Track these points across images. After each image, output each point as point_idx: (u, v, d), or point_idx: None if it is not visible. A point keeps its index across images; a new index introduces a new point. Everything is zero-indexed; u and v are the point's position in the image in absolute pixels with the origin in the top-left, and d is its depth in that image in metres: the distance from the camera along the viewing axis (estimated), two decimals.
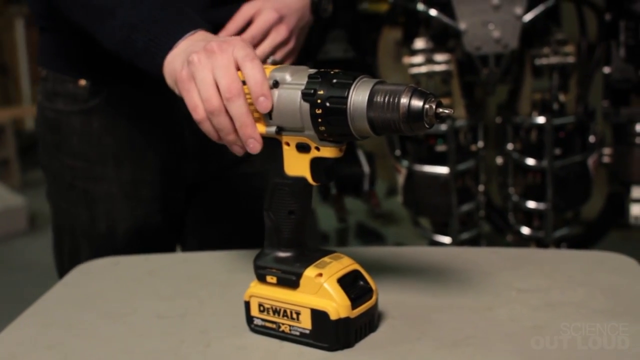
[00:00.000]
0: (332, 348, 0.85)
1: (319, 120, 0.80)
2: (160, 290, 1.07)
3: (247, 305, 0.91)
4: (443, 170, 1.76)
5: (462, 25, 1.64)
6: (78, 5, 1.01)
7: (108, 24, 0.98)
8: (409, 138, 1.79)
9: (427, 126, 0.77)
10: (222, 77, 0.84)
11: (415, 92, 0.77)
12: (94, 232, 1.27)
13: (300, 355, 0.85)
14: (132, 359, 0.87)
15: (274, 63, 1.13)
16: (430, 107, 0.76)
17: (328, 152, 0.83)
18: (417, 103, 0.76)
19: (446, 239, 1.84)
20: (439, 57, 1.76)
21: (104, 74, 1.17)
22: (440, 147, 1.76)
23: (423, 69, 1.77)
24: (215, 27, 1.12)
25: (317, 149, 0.84)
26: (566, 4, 1.80)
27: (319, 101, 0.80)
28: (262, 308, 0.89)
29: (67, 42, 1.19)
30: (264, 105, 0.83)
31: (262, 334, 0.90)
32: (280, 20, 1.13)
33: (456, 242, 1.82)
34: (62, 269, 1.30)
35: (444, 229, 1.87)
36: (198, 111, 0.86)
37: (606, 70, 1.74)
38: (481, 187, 1.86)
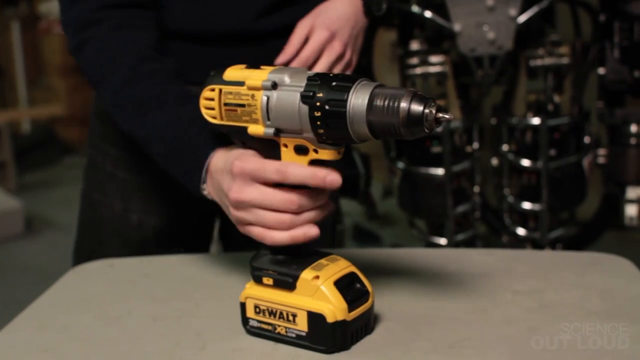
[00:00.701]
0: (328, 351, 0.85)
1: (318, 122, 0.80)
2: (155, 292, 1.07)
3: (243, 306, 0.91)
4: (438, 171, 1.76)
5: (457, 27, 1.65)
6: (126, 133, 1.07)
7: (148, 149, 1.04)
8: (405, 140, 1.79)
9: (426, 131, 0.77)
10: (274, 205, 0.86)
11: (416, 97, 0.76)
12: (125, 223, 1.28)
13: (296, 357, 0.85)
14: None
15: None
16: (430, 111, 0.76)
17: (326, 154, 0.83)
18: (418, 107, 0.76)
19: (442, 240, 1.84)
20: (434, 58, 1.76)
21: None
22: (436, 149, 1.76)
23: (418, 71, 1.77)
24: (264, 36, 1.17)
25: (316, 151, 0.83)
26: (560, 4, 1.81)
27: (318, 104, 0.80)
28: (258, 310, 0.89)
29: None
30: (336, 182, 0.83)
31: (258, 336, 0.90)
32: (332, 36, 1.14)
33: (452, 243, 1.82)
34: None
35: (439, 230, 1.87)
36: (277, 236, 0.87)
37: (601, 71, 1.74)
38: (477, 188, 1.86)
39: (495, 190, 1.93)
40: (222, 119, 0.89)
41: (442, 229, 1.85)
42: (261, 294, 0.89)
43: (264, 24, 1.17)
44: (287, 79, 0.83)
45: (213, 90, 0.89)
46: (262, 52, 1.18)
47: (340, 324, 0.84)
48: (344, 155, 0.84)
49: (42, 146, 5.37)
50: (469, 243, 1.86)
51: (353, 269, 0.89)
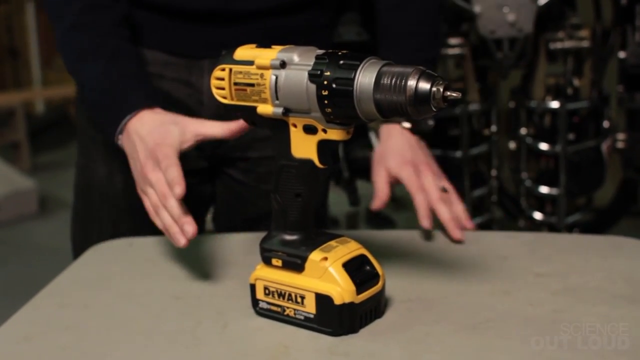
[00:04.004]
0: (335, 333, 0.84)
1: (326, 101, 0.79)
2: (175, 271, 1.07)
3: (253, 287, 0.90)
4: (456, 154, 1.75)
5: (477, 9, 1.64)
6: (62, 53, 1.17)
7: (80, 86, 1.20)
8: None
9: (434, 109, 0.75)
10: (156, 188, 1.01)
11: (423, 75, 0.75)
12: (111, 189, 1.27)
13: (318, 337, 0.85)
14: (149, 340, 0.87)
15: None
16: (438, 89, 0.74)
17: (335, 134, 0.82)
18: (425, 85, 0.74)
19: None
20: (453, 40, 1.75)
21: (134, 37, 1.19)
22: (454, 131, 1.75)
23: None
24: (235, 17, 1.17)
25: (324, 131, 0.83)
26: None
27: (325, 82, 0.78)
28: (267, 291, 0.89)
29: None
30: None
31: (267, 317, 0.89)
32: (415, 166, 1.24)
33: None
34: (75, 238, 1.31)
35: None
36: (150, 212, 1.03)
37: (621, 55, 1.73)
38: (494, 172, 1.85)
39: (513, 174, 1.93)
40: (232, 98, 0.88)
41: None
42: (270, 276, 0.88)
43: (235, 6, 1.15)
44: (296, 58, 0.82)
45: (224, 70, 0.88)
46: (233, 33, 1.17)
47: (347, 307, 0.83)
48: (361, 137, 0.84)
49: (56, 127, 5.39)
50: (485, 227, 1.86)
51: (363, 251, 0.88)
